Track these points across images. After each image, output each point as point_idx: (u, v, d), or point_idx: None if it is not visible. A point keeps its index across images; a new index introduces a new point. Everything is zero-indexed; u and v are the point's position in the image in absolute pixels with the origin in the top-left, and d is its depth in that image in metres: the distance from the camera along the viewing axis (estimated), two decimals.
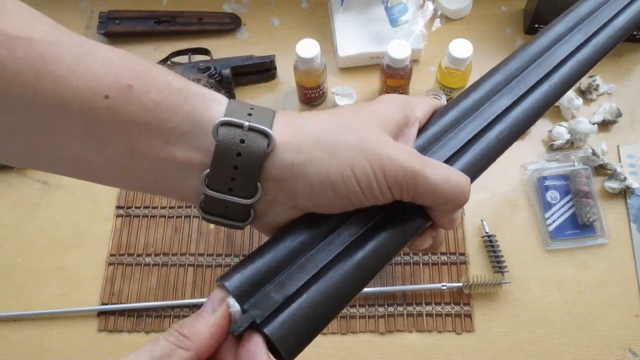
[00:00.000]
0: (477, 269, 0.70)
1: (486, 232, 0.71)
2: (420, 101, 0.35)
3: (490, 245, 0.70)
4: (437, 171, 0.30)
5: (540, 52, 0.37)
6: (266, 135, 0.28)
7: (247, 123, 0.28)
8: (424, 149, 0.33)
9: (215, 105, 0.29)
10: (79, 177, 0.30)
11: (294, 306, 0.29)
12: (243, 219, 0.31)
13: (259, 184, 0.29)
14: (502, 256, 0.69)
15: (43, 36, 0.27)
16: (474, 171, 0.34)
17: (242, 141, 0.28)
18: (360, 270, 0.31)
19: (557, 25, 0.38)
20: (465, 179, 0.31)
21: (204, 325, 0.27)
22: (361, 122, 0.30)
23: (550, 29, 0.38)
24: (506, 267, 0.68)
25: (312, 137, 0.29)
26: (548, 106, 0.37)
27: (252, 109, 0.30)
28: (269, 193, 0.30)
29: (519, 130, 0.36)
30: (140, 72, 0.28)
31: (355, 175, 0.29)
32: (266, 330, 0.28)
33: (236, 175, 0.29)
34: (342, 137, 0.29)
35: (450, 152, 0.33)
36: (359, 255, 0.31)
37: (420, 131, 0.34)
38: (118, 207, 0.75)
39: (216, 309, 0.28)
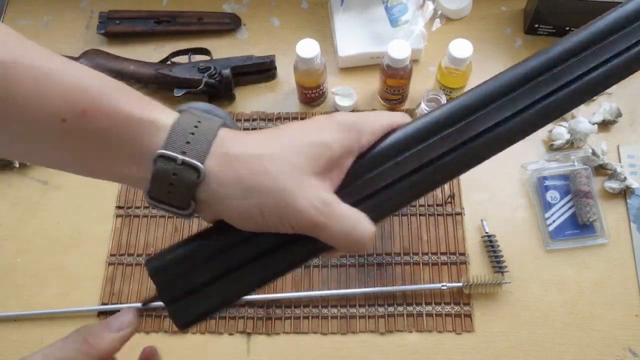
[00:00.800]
0: (477, 269, 0.70)
1: (486, 232, 0.71)
2: (375, 118, 0.36)
3: (490, 245, 0.70)
4: (341, 225, 0.32)
5: (514, 85, 0.35)
6: (197, 169, 0.32)
7: (180, 157, 0.32)
8: (356, 177, 0.34)
9: (159, 133, 0.32)
10: (56, 168, 0.35)
11: (204, 291, 0.35)
12: (185, 208, 0.34)
13: (192, 201, 0.33)
14: (502, 256, 0.69)
15: (4, 56, 0.29)
16: (398, 205, 0.35)
17: (175, 174, 0.32)
18: (265, 271, 0.35)
19: (547, 55, 0.35)
20: (369, 231, 0.33)
21: (109, 340, 0.34)
22: (287, 161, 0.32)
23: (538, 58, 0.35)
24: (506, 267, 0.68)
25: (235, 173, 0.32)
26: (503, 147, 0.35)
27: (192, 134, 0.32)
28: (200, 208, 0.34)
29: (461, 169, 0.35)
30: (94, 96, 0.31)
31: (264, 217, 0.32)
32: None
33: (171, 196, 0.33)
34: (260, 180, 0.32)
35: (379, 186, 0.34)
36: (267, 262, 0.35)
37: (365, 154, 0.35)
38: (118, 207, 0.75)
39: (123, 329, 0.35)
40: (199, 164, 0.32)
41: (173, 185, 0.32)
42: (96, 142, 0.32)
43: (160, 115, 0.33)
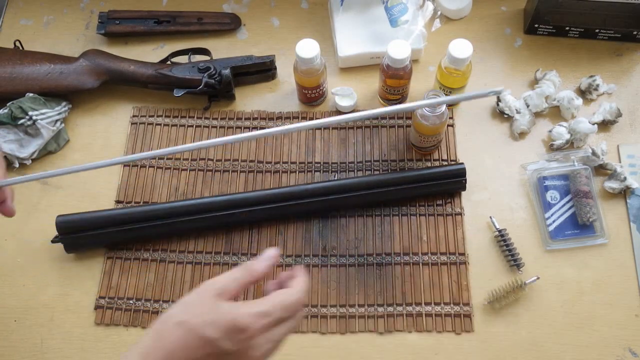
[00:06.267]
0: (477, 268, 0.70)
1: (497, 228, 0.71)
2: None
3: (502, 240, 0.70)
4: None
5: None
6: None
7: None
8: None
9: None
10: None
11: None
12: None
13: None
14: (515, 248, 0.69)
15: None
16: None
17: None
18: None
19: None
20: None
21: (263, 265, 0.47)
22: None
23: None
24: (521, 259, 0.69)
25: None
26: None
27: None
28: None
29: None
30: None
31: None
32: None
33: None
34: None
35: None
36: None
37: None
38: (117, 202, 0.75)
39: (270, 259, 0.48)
40: None
41: None
42: None
43: None
